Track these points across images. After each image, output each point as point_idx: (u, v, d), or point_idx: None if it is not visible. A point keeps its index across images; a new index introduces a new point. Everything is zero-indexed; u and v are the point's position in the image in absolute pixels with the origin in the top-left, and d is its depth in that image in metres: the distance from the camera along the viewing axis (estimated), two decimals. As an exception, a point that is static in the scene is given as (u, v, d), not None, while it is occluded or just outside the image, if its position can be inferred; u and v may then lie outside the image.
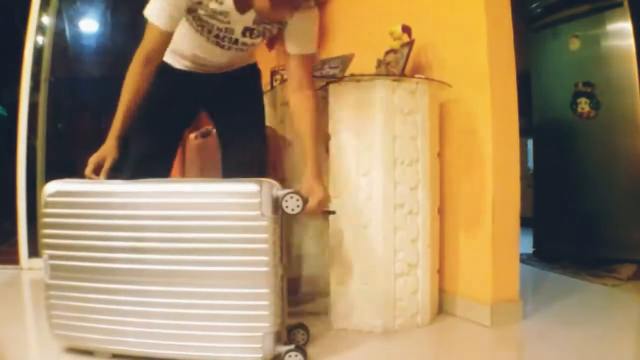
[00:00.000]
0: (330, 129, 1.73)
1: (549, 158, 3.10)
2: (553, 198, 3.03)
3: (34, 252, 2.58)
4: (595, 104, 2.78)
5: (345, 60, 2.11)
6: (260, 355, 1.29)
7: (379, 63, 1.93)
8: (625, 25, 2.64)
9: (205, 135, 2.29)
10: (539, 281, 2.43)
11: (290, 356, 1.31)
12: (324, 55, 2.70)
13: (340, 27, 2.73)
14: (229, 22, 1.49)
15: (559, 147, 3.00)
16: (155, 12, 1.42)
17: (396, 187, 1.67)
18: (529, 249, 3.05)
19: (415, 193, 1.70)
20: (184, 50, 1.64)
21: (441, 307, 1.88)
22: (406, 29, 1.90)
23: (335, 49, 2.67)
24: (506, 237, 1.76)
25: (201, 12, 1.45)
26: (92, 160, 1.42)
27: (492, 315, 1.70)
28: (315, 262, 2.16)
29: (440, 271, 1.87)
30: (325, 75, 2.11)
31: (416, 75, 1.81)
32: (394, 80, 1.68)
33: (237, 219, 1.30)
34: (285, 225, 1.38)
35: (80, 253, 1.36)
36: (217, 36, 1.53)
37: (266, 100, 2.54)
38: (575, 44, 2.90)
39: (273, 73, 2.65)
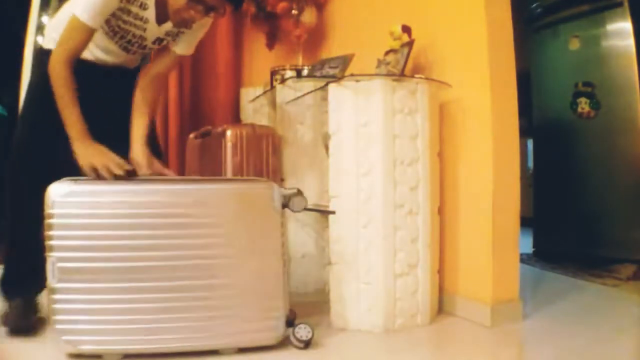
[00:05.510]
0: (330, 129, 1.73)
1: (549, 158, 3.10)
2: (553, 198, 3.03)
3: (33, 252, 2.57)
4: (595, 104, 2.78)
5: (345, 60, 2.11)
6: (275, 336, 1.44)
7: (379, 63, 1.93)
8: (625, 25, 2.64)
9: (205, 135, 2.29)
10: (539, 281, 2.43)
11: (300, 328, 1.46)
12: (324, 55, 2.70)
13: (340, 27, 2.73)
14: (144, 30, 1.53)
15: (559, 147, 3.00)
16: (86, 9, 1.40)
17: (396, 187, 1.67)
18: (529, 249, 3.05)
19: (415, 193, 1.70)
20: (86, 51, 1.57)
21: (441, 307, 1.87)
22: (406, 29, 1.90)
23: (335, 49, 2.67)
24: (506, 237, 1.76)
25: (124, 16, 1.47)
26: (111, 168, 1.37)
27: (492, 315, 1.70)
28: (315, 262, 2.16)
29: (440, 271, 1.87)
30: (325, 75, 2.11)
31: (416, 75, 1.81)
32: (394, 80, 1.68)
33: (255, 214, 1.43)
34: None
35: (95, 254, 1.34)
36: (128, 42, 1.56)
37: (265, 100, 2.54)
38: (575, 44, 2.90)
39: (273, 73, 2.65)
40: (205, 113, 2.86)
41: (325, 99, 1.81)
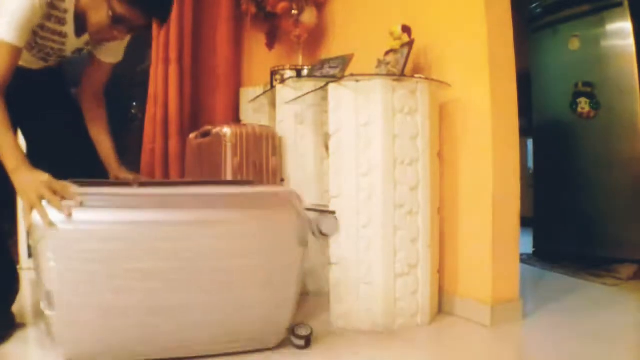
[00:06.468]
0: (330, 129, 1.73)
1: (549, 158, 3.10)
2: (553, 198, 3.03)
3: (33, 252, 2.58)
4: (595, 104, 2.78)
5: (345, 60, 2.11)
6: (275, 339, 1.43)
7: (379, 63, 1.93)
8: (625, 25, 2.64)
9: (205, 135, 2.29)
10: (539, 281, 2.43)
11: (300, 328, 1.45)
12: (324, 55, 2.70)
13: (340, 27, 2.73)
14: (63, 44, 1.50)
15: (559, 147, 3.00)
16: (9, 29, 1.30)
17: (396, 187, 1.67)
18: (529, 249, 3.05)
19: (415, 193, 1.70)
20: None
21: (441, 307, 1.88)
22: (406, 29, 1.90)
23: (335, 49, 2.67)
24: (506, 237, 1.76)
25: (41, 32, 1.42)
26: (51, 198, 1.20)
27: (492, 315, 1.70)
28: (315, 262, 2.16)
29: (440, 271, 1.87)
30: (325, 75, 2.11)
31: (416, 75, 1.81)
32: (394, 80, 1.68)
33: (275, 246, 1.34)
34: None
35: (98, 287, 1.22)
36: (46, 54, 1.53)
37: (265, 100, 2.54)
38: (575, 44, 2.90)
39: (273, 73, 2.65)
40: (205, 113, 2.86)
41: (325, 98, 1.81)
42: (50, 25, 1.42)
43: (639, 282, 2.36)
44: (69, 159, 1.57)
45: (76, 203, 1.20)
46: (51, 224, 1.17)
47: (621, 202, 2.67)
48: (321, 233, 1.36)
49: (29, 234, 1.22)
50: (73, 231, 1.19)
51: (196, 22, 2.81)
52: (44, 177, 1.24)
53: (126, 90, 3.10)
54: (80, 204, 1.20)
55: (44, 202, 1.19)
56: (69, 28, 1.46)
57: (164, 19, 1.47)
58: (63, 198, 1.20)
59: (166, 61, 2.71)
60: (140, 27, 1.46)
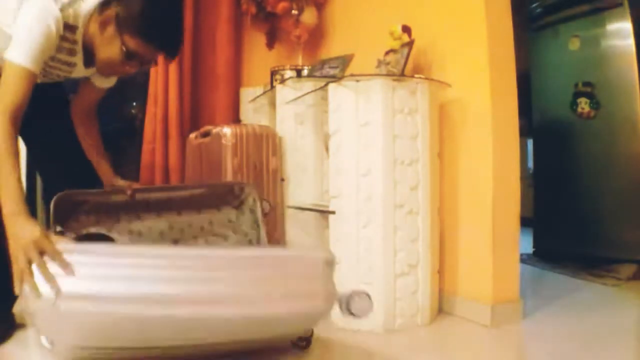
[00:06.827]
0: (330, 129, 1.73)
1: (549, 158, 3.10)
2: (553, 198, 3.03)
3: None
4: (595, 104, 2.78)
5: (345, 60, 2.11)
6: None
7: (379, 63, 1.93)
8: (625, 25, 2.64)
9: (205, 135, 2.29)
10: (539, 281, 2.43)
11: None
12: (324, 55, 2.70)
13: (340, 27, 2.73)
14: (70, 72, 1.50)
15: (559, 147, 3.00)
16: (28, 55, 1.27)
17: (396, 187, 1.67)
18: (529, 249, 3.05)
19: (415, 193, 1.70)
20: None
21: (441, 307, 1.87)
22: (406, 29, 1.90)
23: (335, 49, 2.67)
24: (506, 237, 1.76)
25: (50, 62, 1.42)
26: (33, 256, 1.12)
27: (492, 315, 1.70)
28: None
29: (440, 271, 1.87)
30: (325, 75, 2.11)
31: (416, 75, 1.81)
32: (394, 80, 1.68)
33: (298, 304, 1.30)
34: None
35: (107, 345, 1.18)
36: (51, 78, 1.54)
37: (265, 100, 2.54)
38: (575, 44, 2.90)
39: (273, 73, 2.65)
40: (205, 113, 2.86)
41: (325, 98, 1.81)
42: (61, 56, 1.43)
43: (639, 282, 2.37)
44: (68, 165, 1.58)
45: (65, 269, 1.12)
46: (40, 296, 1.09)
47: (621, 201, 2.67)
48: (350, 313, 1.28)
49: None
50: (63, 303, 1.09)
51: (196, 22, 2.81)
52: (36, 232, 1.14)
53: (126, 90, 3.10)
54: (69, 269, 1.11)
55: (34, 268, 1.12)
56: (79, 59, 1.46)
57: (174, 55, 1.47)
58: (53, 259, 1.13)
59: (166, 61, 2.71)
60: (152, 62, 1.47)
